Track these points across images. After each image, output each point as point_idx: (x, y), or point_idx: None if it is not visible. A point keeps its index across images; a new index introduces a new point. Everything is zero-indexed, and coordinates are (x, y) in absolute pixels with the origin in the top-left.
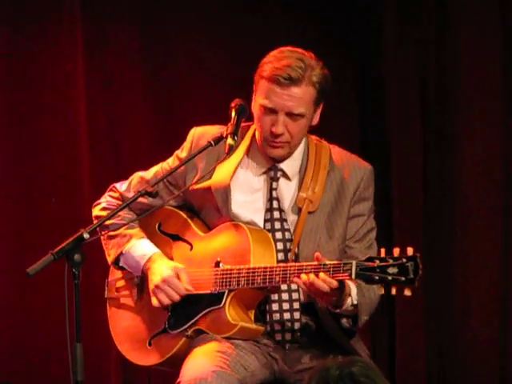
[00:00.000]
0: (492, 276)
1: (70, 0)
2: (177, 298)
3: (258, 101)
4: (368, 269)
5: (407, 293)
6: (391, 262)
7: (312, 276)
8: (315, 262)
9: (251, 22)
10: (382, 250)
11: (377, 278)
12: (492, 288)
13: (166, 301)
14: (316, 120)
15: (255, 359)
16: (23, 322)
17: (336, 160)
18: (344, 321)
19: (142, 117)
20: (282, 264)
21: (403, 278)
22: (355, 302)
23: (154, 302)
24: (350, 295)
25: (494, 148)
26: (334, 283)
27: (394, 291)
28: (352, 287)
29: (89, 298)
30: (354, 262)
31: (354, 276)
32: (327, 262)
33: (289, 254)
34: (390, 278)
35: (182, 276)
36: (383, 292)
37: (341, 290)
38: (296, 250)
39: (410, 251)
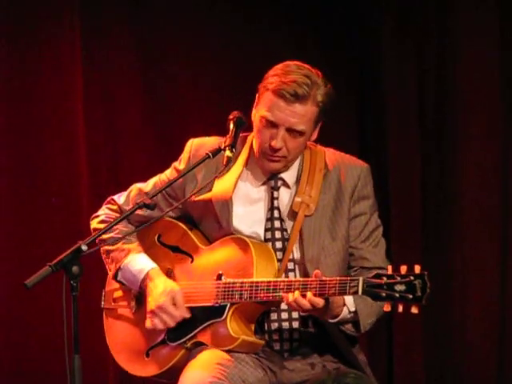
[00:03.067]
0: (490, 288)
1: (70, 13)
2: (172, 324)
3: (259, 112)
4: (375, 285)
5: (414, 311)
6: (399, 279)
7: (297, 294)
8: (319, 279)
9: (250, 35)
10: (389, 267)
11: (384, 294)
12: (490, 300)
13: (161, 326)
14: (314, 137)
15: (254, 372)
16: (21, 334)
17: (331, 162)
18: (347, 327)
19: (140, 130)
20: (286, 279)
21: (411, 296)
22: (353, 309)
23: (148, 324)
24: (344, 305)
25: (493, 150)
26: (321, 304)
27: (400, 309)
28: (346, 296)
29: (87, 309)
30: (360, 279)
31: (360, 293)
32: (331, 278)
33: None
34: (397, 295)
35: (177, 300)
36: (389, 309)
37: (326, 307)
38: (292, 253)
39: (417, 269)
